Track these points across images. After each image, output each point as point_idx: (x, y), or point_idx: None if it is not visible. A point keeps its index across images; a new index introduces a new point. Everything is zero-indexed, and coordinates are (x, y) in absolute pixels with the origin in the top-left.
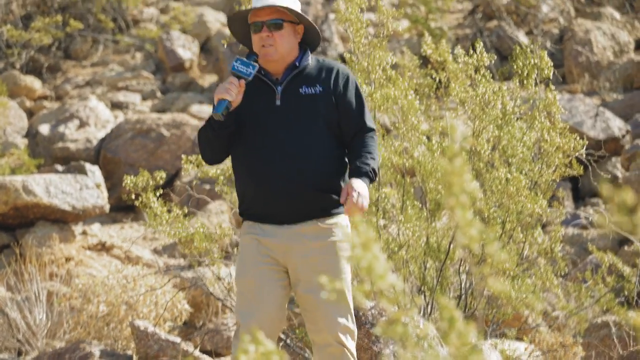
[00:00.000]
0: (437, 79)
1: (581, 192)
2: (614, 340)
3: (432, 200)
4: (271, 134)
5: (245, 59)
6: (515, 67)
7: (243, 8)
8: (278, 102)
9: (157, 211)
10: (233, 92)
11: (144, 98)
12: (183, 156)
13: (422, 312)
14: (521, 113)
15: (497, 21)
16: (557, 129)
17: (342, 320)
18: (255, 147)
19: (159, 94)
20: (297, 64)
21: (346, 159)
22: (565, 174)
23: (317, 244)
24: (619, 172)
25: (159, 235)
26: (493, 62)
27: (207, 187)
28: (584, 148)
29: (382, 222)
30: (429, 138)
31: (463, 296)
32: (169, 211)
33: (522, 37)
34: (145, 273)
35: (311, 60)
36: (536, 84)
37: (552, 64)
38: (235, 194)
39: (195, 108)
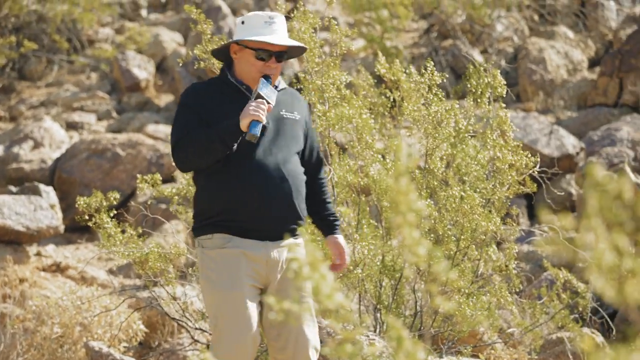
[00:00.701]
0: (392, 98)
1: (536, 209)
2: (569, 356)
3: (387, 218)
4: (261, 152)
5: (267, 83)
6: (469, 85)
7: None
8: (264, 121)
9: (110, 232)
10: (265, 115)
11: (100, 118)
12: (138, 176)
13: (377, 331)
14: (475, 131)
15: (452, 40)
16: (510, 147)
17: (311, 336)
18: (243, 162)
19: (114, 114)
20: (277, 86)
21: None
22: (519, 191)
23: (289, 262)
24: (573, 190)
25: (114, 256)
26: (446, 80)
27: (163, 206)
28: (537, 165)
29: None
30: (383, 157)
31: (418, 314)
32: (123, 231)
33: (477, 56)
34: (100, 294)
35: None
36: (490, 103)
37: (505, 83)
38: (191, 214)
39: (151, 128)
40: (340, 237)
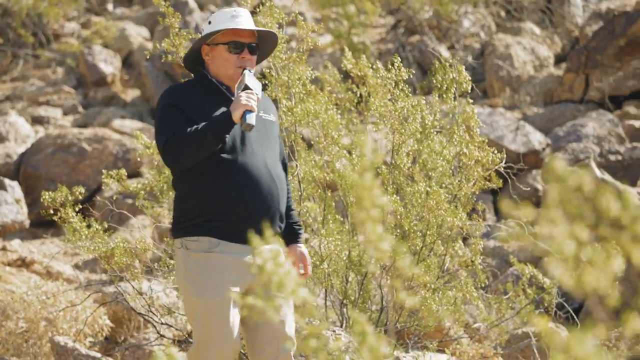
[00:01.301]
0: (358, 94)
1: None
2: (534, 351)
3: (353, 214)
4: (247, 152)
5: (252, 74)
6: (435, 81)
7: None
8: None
9: (76, 226)
10: (256, 104)
11: (65, 113)
12: (104, 171)
13: (343, 326)
14: (441, 127)
15: (419, 36)
16: (476, 143)
17: (291, 334)
18: (232, 166)
19: (80, 108)
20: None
21: None
22: (485, 187)
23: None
24: (539, 185)
25: (80, 251)
26: (412, 76)
27: (129, 201)
28: (503, 161)
29: (304, 235)
30: (350, 152)
31: (384, 309)
32: (89, 226)
33: (443, 52)
34: (65, 289)
35: None
36: (455, 98)
37: (471, 79)
38: (157, 209)
39: (117, 122)
40: (303, 247)
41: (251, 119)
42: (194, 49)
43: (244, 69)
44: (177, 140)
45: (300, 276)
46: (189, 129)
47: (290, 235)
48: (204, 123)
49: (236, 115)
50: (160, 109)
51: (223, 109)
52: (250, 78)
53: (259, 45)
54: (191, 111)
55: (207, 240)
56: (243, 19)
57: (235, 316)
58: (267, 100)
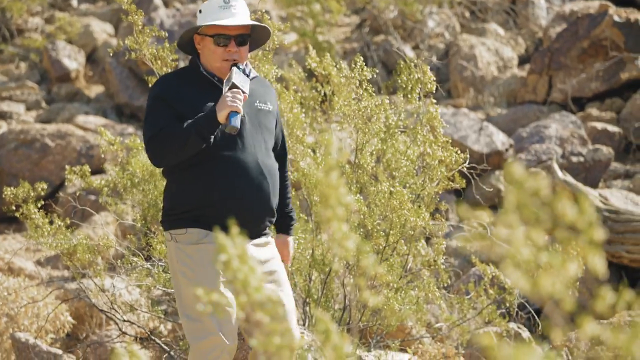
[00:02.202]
0: (322, 92)
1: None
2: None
3: (317, 212)
4: (238, 146)
5: (240, 72)
6: (399, 81)
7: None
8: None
9: (38, 223)
10: (241, 105)
11: (29, 108)
12: (67, 167)
13: (306, 324)
14: (405, 127)
15: (384, 35)
16: (440, 143)
17: (294, 323)
18: (221, 154)
19: (43, 104)
20: (247, 74)
21: None
22: (449, 187)
23: (267, 259)
24: (502, 186)
25: (42, 247)
26: (377, 75)
27: (93, 198)
28: (467, 162)
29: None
30: (314, 151)
31: (347, 308)
32: (51, 223)
33: (408, 52)
34: (27, 285)
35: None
36: (420, 98)
37: (435, 79)
38: (121, 206)
39: (81, 119)
40: (291, 239)
41: (236, 121)
42: (184, 38)
43: (233, 64)
44: (160, 138)
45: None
46: (172, 128)
47: (282, 225)
48: (189, 121)
49: (221, 116)
50: (149, 101)
51: (212, 104)
52: (237, 75)
53: (252, 33)
54: (179, 104)
55: (196, 231)
56: (235, 10)
57: (230, 305)
58: (263, 87)
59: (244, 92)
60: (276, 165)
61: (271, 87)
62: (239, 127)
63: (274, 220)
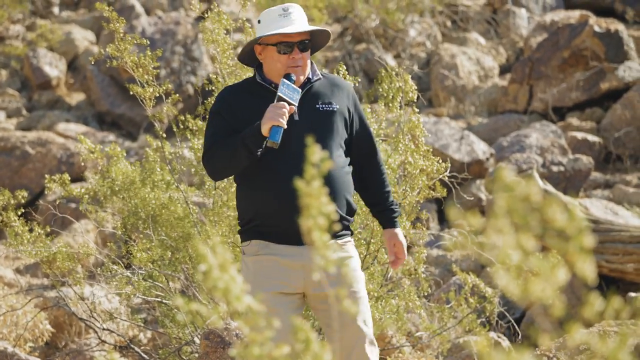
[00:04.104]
0: None
1: (446, 214)
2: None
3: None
4: (291, 150)
5: (289, 83)
6: (380, 89)
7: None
8: (296, 118)
9: (18, 230)
10: (286, 118)
11: (9, 115)
12: (47, 175)
13: None
14: (386, 135)
15: (366, 44)
16: (421, 152)
17: (367, 330)
18: (274, 164)
19: (24, 111)
20: (311, 77)
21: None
22: (429, 196)
23: (336, 260)
24: (483, 195)
25: (21, 255)
26: (358, 84)
27: (73, 206)
28: (448, 170)
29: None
30: None
31: None
32: (31, 230)
33: (390, 60)
34: (6, 293)
35: (318, 73)
36: (401, 107)
37: (417, 88)
38: (101, 214)
39: (61, 126)
40: (398, 231)
41: (275, 135)
42: (245, 50)
43: (285, 76)
44: (212, 153)
45: (395, 262)
46: (223, 142)
47: (384, 219)
48: (238, 135)
49: (264, 130)
50: (209, 115)
51: None
52: (284, 87)
53: (312, 37)
54: (234, 118)
55: (256, 243)
56: (294, 17)
57: (285, 315)
58: (331, 87)
59: (291, 104)
60: (343, 163)
61: (343, 86)
62: (278, 141)
63: (346, 222)
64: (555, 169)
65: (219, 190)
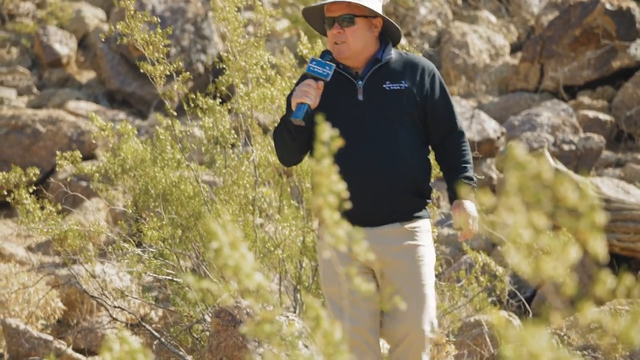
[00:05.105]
0: None
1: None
2: (486, 339)
3: (308, 200)
4: (354, 131)
5: (320, 59)
6: None
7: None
8: (360, 97)
9: (29, 208)
10: (312, 95)
11: (20, 94)
12: (58, 153)
13: (296, 311)
14: None
15: None
16: None
17: (424, 323)
18: (341, 149)
19: (35, 89)
20: (379, 57)
21: (430, 160)
22: (439, 175)
23: (400, 247)
24: (494, 174)
25: (33, 233)
26: None
27: (84, 184)
28: None
29: (258, 220)
30: None
31: None
32: (42, 208)
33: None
34: (18, 271)
35: (394, 54)
36: None
37: None
38: (112, 192)
39: (72, 104)
40: (465, 202)
41: (297, 113)
42: (315, 23)
43: (322, 52)
44: (274, 138)
45: (464, 234)
46: (277, 129)
47: (452, 191)
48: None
49: (293, 109)
50: None
51: (336, 94)
52: (315, 65)
53: (384, 23)
54: None
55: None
56: None
57: (363, 302)
58: (404, 66)
59: (319, 80)
60: (410, 143)
61: (419, 65)
62: (301, 118)
63: (417, 204)
64: (566, 147)
65: (229, 169)
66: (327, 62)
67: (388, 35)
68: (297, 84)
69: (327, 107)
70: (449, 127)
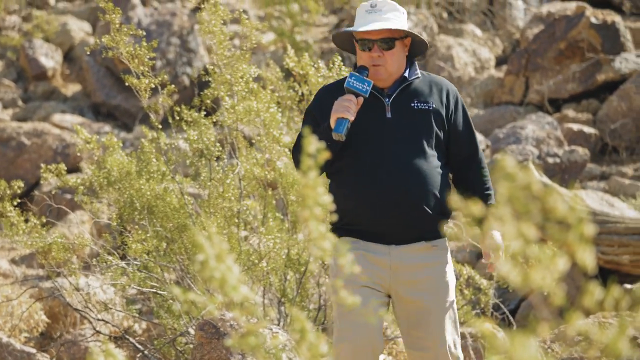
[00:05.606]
0: (300, 92)
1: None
2: (470, 351)
3: (293, 212)
4: (382, 148)
5: (358, 74)
6: None
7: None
8: (389, 115)
9: (13, 221)
10: (353, 111)
11: (5, 106)
12: (43, 165)
13: (281, 324)
14: None
15: None
16: None
17: (449, 340)
18: (363, 162)
19: (20, 102)
20: (407, 76)
21: (450, 180)
22: None
23: (424, 265)
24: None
25: (17, 245)
26: None
27: (68, 196)
28: None
29: (243, 233)
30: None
31: (322, 308)
32: (26, 221)
33: None
34: (1, 283)
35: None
36: None
37: None
38: (96, 205)
39: (57, 117)
40: (497, 236)
41: (339, 128)
42: (342, 37)
43: (356, 68)
44: (295, 150)
45: (489, 265)
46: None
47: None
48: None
49: (332, 123)
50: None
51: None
52: (353, 80)
53: (413, 38)
54: (323, 116)
55: (345, 240)
56: (378, 14)
57: (366, 308)
58: (430, 87)
59: (359, 96)
60: (433, 164)
61: (442, 86)
62: (342, 134)
63: (432, 222)
64: (551, 160)
65: (214, 182)
66: (365, 77)
67: (413, 50)
68: (315, 97)
69: (356, 123)
70: (470, 151)
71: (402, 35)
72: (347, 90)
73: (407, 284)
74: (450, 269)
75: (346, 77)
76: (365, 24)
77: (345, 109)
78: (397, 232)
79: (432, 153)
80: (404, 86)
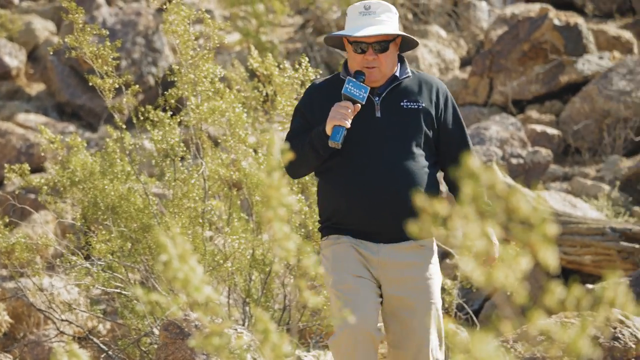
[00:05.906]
0: (265, 92)
1: None
2: None
3: (258, 212)
4: (371, 148)
5: (355, 80)
6: None
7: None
8: (378, 114)
9: None
10: (350, 119)
11: None
12: (6, 165)
13: (245, 324)
14: None
15: None
16: None
17: (432, 341)
18: (353, 161)
19: None
20: (398, 75)
21: (438, 179)
22: None
23: (411, 264)
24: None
25: None
26: (319, 76)
27: (32, 196)
28: None
29: (208, 233)
30: (256, 151)
31: (287, 308)
32: None
33: None
34: None
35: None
36: None
37: None
38: (60, 205)
39: (21, 117)
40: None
41: (336, 136)
42: (333, 39)
43: (354, 73)
44: (294, 150)
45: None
46: (295, 142)
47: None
48: (307, 134)
49: (328, 130)
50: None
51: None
52: (349, 85)
53: (401, 39)
54: (313, 115)
55: (333, 237)
56: (372, 17)
57: (368, 301)
58: (420, 85)
59: (356, 102)
60: (423, 162)
61: (433, 84)
62: (339, 141)
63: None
64: (514, 161)
65: (179, 182)
66: (362, 83)
67: (401, 47)
68: (305, 94)
69: None
70: (461, 150)
71: (395, 36)
72: (345, 97)
73: (393, 281)
74: (436, 269)
75: (338, 74)
76: (359, 26)
77: (343, 117)
78: (386, 232)
79: (420, 152)
80: (394, 85)
